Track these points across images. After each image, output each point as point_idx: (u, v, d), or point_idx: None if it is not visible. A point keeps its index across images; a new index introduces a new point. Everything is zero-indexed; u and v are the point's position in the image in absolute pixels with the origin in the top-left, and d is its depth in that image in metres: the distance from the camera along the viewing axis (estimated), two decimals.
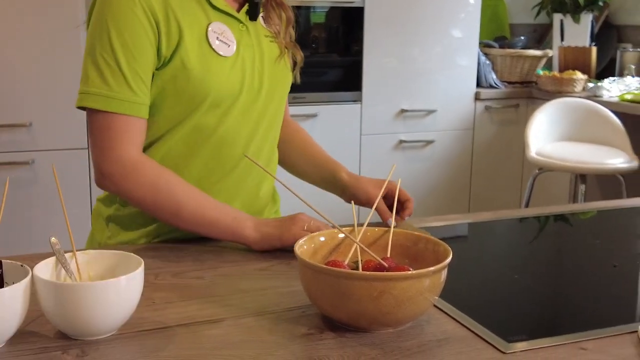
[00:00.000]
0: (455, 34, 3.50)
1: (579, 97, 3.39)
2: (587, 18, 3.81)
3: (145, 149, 1.22)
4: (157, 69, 1.18)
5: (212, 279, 1.07)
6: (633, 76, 3.58)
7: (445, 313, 0.94)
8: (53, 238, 0.95)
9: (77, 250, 0.92)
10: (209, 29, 1.20)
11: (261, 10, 1.30)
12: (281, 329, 0.90)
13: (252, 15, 1.27)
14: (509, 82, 3.75)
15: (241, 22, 1.25)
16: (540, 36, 4.21)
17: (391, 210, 1.16)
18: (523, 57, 3.74)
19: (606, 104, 3.25)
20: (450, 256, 0.90)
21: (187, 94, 1.19)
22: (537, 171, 3.18)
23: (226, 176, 1.26)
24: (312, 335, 0.88)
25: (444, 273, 0.89)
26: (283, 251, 1.17)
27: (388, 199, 1.26)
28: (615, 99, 3.34)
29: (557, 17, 3.88)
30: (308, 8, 3.26)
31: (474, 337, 0.88)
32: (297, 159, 1.44)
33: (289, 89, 1.36)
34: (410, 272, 0.86)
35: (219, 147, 1.24)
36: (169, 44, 1.16)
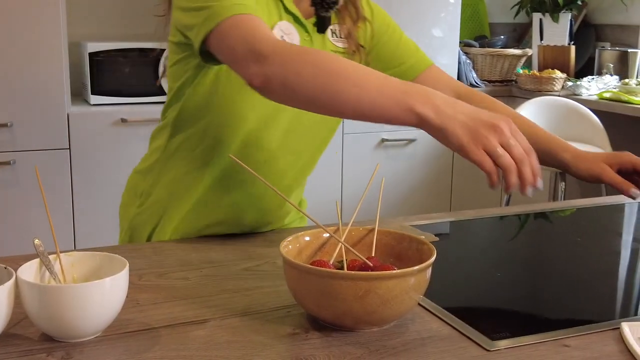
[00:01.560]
0: (435, 33, 3.51)
1: (558, 95, 3.42)
2: (565, 17, 3.84)
3: (173, 129, 1.22)
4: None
5: (197, 280, 1.07)
6: (611, 75, 3.62)
7: (430, 312, 0.95)
8: (37, 240, 0.95)
9: (61, 252, 0.92)
10: (277, 25, 1.19)
11: (332, 21, 1.26)
12: (267, 329, 0.90)
13: (320, 28, 1.24)
14: (489, 81, 3.78)
15: (307, 32, 1.23)
16: (519, 35, 4.24)
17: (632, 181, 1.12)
18: (503, 56, 3.76)
19: (585, 102, 3.28)
20: (434, 255, 0.91)
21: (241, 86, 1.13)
22: None
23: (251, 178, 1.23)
24: (297, 335, 0.88)
25: (429, 272, 0.90)
26: (268, 250, 1.17)
27: (621, 172, 1.18)
28: (594, 98, 3.38)
29: (536, 17, 3.92)
30: None
31: (458, 335, 0.89)
32: None
33: None
34: (395, 271, 0.86)
35: (245, 145, 1.22)
36: None
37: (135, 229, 1.34)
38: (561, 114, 3.27)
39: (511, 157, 0.86)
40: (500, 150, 0.86)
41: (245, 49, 1.01)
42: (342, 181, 3.38)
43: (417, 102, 0.89)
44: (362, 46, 1.31)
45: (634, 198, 0.95)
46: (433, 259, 0.90)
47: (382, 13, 1.38)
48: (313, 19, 1.24)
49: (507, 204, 3.28)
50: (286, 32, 1.20)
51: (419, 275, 0.88)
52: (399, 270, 0.86)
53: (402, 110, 0.90)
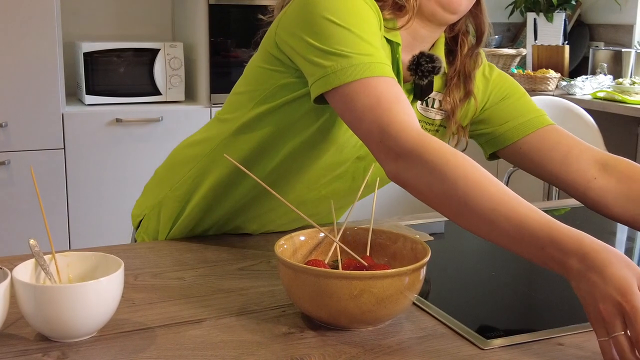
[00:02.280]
0: None
1: (553, 95, 3.43)
2: (559, 17, 3.85)
3: (244, 125, 1.15)
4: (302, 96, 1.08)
5: (192, 280, 1.07)
6: (605, 74, 3.63)
7: (424, 310, 0.96)
8: (32, 240, 0.95)
9: (56, 252, 0.92)
10: None
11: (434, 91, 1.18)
12: (262, 329, 0.90)
13: (417, 95, 1.17)
14: None
15: None
16: (513, 35, 4.25)
17: None
18: (497, 56, 3.77)
19: (579, 101, 3.29)
20: (429, 254, 0.91)
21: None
22: (511, 168, 3.21)
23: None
24: (292, 335, 0.89)
25: (423, 271, 0.90)
26: (263, 250, 1.18)
27: None
28: (588, 97, 3.39)
29: (530, 16, 3.93)
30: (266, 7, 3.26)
31: (453, 334, 0.89)
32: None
33: None
34: (389, 271, 0.87)
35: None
36: None
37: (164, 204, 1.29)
38: (555, 113, 3.28)
39: (616, 346, 0.78)
40: (604, 337, 0.79)
41: (378, 136, 0.96)
42: None
43: (551, 262, 0.84)
44: (463, 127, 1.24)
45: None
46: (427, 258, 0.90)
47: (502, 81, 1.26)
48: (409, 85, 1.17)
49: None
50: None
51: (414, 275, 0.88)
52: (393, 270, 0.87)
53: (537, 261, 0.86)
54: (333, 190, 1.24)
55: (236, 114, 1.18)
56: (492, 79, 1.26)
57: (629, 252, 1.29)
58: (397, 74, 1.13)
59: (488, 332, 0.89)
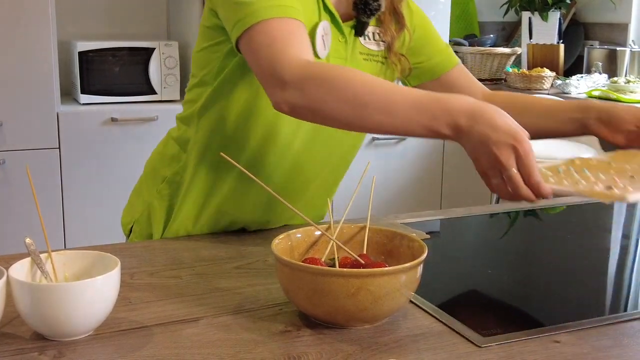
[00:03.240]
0: None
1: (548, 94, 3.44)
2: (554, 16, 3.86)
3: (204, 110, 1.20)
4: None
5: (188, 278, 1.07)
6: (600, 73, 3.63)
7: (421, 308, 0.96)
8: (28, 238, 0.95)
9: (52, 251, 0.92)
10: (320, 25, 1.16)
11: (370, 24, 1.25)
12: (259, 327, 0.90)
13: (358, 32, 1.23)
14: (479, 80, 3.77)
15: (342, 34, 1.21)
16: (509, 34, 4.25)
17: None
18: (492, 55, 3.78)
19: (572, 99, 3.30)
20: (426, 252, 0.91)
21: None
22: None
23: (278, 168, 1.24)
24: (289, 333, 0.89)
25: (420, 269, 0.90)
26: (260, 248, 1.18)
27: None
28: (583, 96, 3.39)
29: (525, 15, 3.93)
30: None
31: (450, 332, 0.89)
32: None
33: None
34: (386, 269, 0.87)
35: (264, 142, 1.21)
36: None
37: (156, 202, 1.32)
38: None
39: (510, 184, 0.91)
40: (497, 179, 0.93)
41: (269, 70, 1.01)
42: None
43: (443, 126, 0.93)
44: (403, 55, 1.30)
45: None
46: (424, 256, 0.90)
47: (420, 12, 1.37)
48: (351, 22, 1.22)
49: (497, 201, 3.29)
50: (325, 33, 1.18)
51: (411, 273, 0.88)
52: (390, 268, 0.87)
53: (430, 132, 0.95)
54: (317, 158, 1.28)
55: (197, 105, 1.23)
56: (415, 11, 1.34)
57: (624, 249, 1.29)
58: (332, 15, 1.19)
59: (484, 329, 0.89)
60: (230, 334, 0.88)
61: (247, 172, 0.95)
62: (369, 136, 3.43)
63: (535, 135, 1.04)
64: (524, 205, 1.54)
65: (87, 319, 0.85)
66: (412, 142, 3.54)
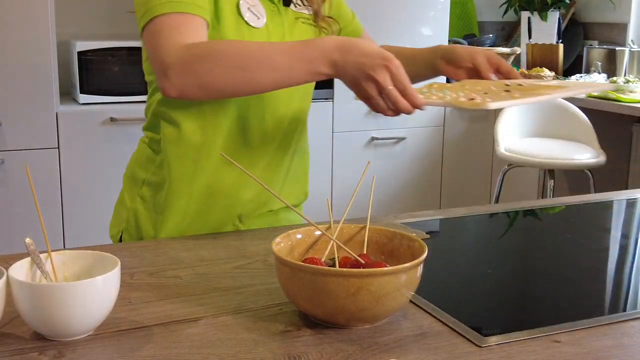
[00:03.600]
0: (425, 32, 3.52)
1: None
2: (554, 15, 3.86)
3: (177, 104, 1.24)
4: None
5: (188, 278, 1.07)
6: (599, 73, 3.64)
7: (421, 308, 0.96)
8: (27, 238, 0.95)
9: (52, 251, 0.92)
10: (242, 0, 1.23)
11: None
12: (259, 327, 0.90)
13: (286, 1, 1.30)
14: None
15: (273, 3, 1.28)
16: (508, 34, 4.26)
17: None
18: None
19: (573, 100, 3.30)
20: (426, 252, 0.91)
21: None
22: (506, 167, 3.22)
23: (248, 145, 1.28)
24: (289, 333, 0.89)
25: (420, 269, 0.90)
26: (260, 248, 1.17)
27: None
28: (582, 96, 3.40)
29: (524, 15, 3.93)
30: None
31: (450, 332, 0.89)
32: None
33: None
34: (387, 268, 0.87)
35: (240, 113, 1.25)
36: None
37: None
38: (550, 111, 3.29)
39: (390, 99, 1.04)
40: (377, 99, 1.04)
41: (154, 60, 1.09)
42: (332, 179, 3.38)
43: (321, 65, 1.04)
44: (331, 17, 1.37)
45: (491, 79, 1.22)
46: (424, 256, 0.90)
47: None
48: None
49: (497, 201, 3.29)
50: (251, 4, 1.24)
51: (411, 272, 0.88)
52: (390, 267, 0.87)
53: (312, 75, 1.06)
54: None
55: (153, 101, 1.28)
56: None
57: (623, 249, 1.29)
58: None
59: (485, 329, 0.89)
60: (231, 334, 0.88)
61: (247, 171, 0.95)
62: (368, 136, 3.43)
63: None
64: (522, 206, 1.54)
65: (87, 319, 0.85)
66: (411, 142, 3.54)
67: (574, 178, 3.50)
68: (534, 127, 3.28)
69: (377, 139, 3.46)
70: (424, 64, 1.36)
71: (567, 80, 1.26)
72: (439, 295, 1.00)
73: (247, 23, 1.22)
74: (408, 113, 1.04)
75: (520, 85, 1.16)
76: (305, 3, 1.35)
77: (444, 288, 1.08)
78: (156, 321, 0.91)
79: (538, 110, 3.29)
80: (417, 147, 3.58)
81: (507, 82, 1.22)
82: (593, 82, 1.24)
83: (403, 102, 1.03)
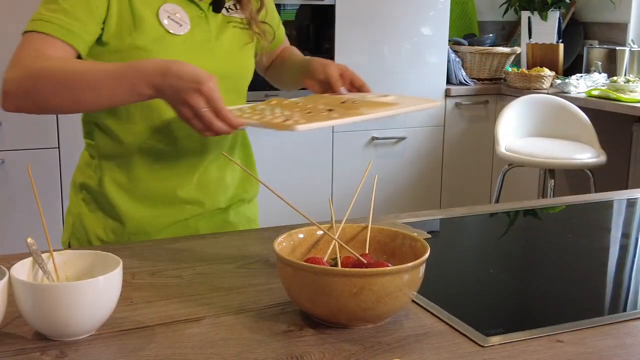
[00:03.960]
0: (425, 32, 3.52)
1: (547, 93, 3.44)
2: (554, 15, 3.86)
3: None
4: (109, 45, 1.21)
5: (190, 278, 1.06)
6: (600, 72, 3.64)
7: (424, 308, 0.95)
8: (29, 238, 0.94)
9: (54, 251, 0.92)
10: (162, 8, 1.24)
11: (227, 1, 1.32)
12: (261, 327, 0.90)
13: (215, 8, 1.29)
14: (478, 79, 3.79)
15: (201, 9, 1.28)
16: (508, 34, 4.26)
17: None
18: (492, 54, 3.78)
19: (574, 100, 3.30)
20: (428, 252, 0.91)
21: None
22: (506, 167, 3.22)
23: (170, 150, 1.28)
24: (292, 332, 0.89)
25: (422, 268, 0.90)
26: (261, 247, 1.17)
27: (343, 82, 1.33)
28: (583, 95, 3.40)
29: (524, 15, 3.93)
30: (278, 5, 3.26)
31: (452, 332, 0.89)
32: (280, 75, 1.51)
33: (250, 76, 1.37)
34: (389, 268, 0.86)
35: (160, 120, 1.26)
36: (118, 17, 1.20)
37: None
38: (550, 111, 3.28)
39: (204, 121, 1.07)
40: (194, 120, 1.07)
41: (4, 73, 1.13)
42: (332, 179, 3.38)
43: (143, 87, 1.07)
44: (265, 22, 1.38)
45: (341, 93, 1.28)
46: (427, 255, 0.90)
47: None
48: (209, 0, 1.29)
49: (497, 201, 3.29)
50: (172, 13, 1.24)
51: (413, 272, 0.88)
52: (393, 267, 0.86)
53: (135, 96, 1.09)
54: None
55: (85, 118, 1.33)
56: None
57: (624, 248, 1.29)
58: None
59: (487, 329, 0.89)
60: (233, 333, 0.88)
61: (248, 171, 0.95)
62: (368, 135, 3.43)
63: (292, 86, 1.46)
64: (523, 205, 1.54)
65: (89, 319, 0.85)
66: (411, 142, 3.54)
67: (574, 178, 3.50)
68: (534, 127, 3.28)
69: (377, 138, 3.46)
70: (300, 75, 1.39)
71: (412, 97, 1.27)
72: (441, 295, 1.00)
73: (167, 31, 1.23)
74: (227, 133, 1.09)
75: (355, 102, 1.20)
76: (238, 7, 1.34)
77: (446, 288, 1.08)
78: (158, 321, 0.91)
79: (538, 110, 3.29)
80: (417, 147, 3.57)
81: (346, 97, 1.26)
82: (422, 98, 1.25)
83: (218, 124, 1.07)
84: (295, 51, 1.53)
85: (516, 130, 3.24)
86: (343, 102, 1.21)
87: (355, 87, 1.33)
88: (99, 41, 1.21)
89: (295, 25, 3.36)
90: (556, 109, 3.27)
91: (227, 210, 1.39)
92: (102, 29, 1.20)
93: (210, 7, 1.29)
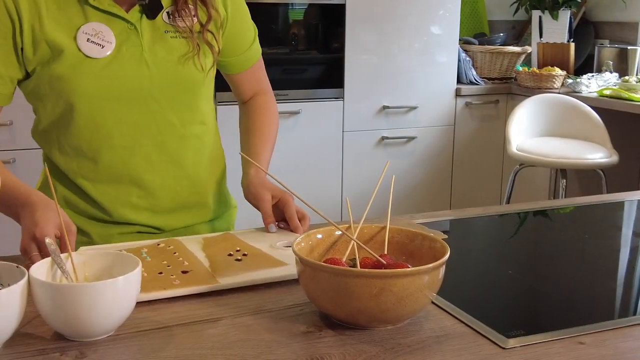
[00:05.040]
0: (435, 31, 3.51)
1: (559, 92, 3.42)
2: (565, 14, 3.84)
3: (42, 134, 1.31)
4: (34, 75, 1.20)
5: None
6: (611, 72, 3.62)
7: (443, 309, 0.95)
8: (48, 238, 0.94)
9: (72, 251, 0.91)
10: (80, 30, 1.18)
11: (166, 6, 1.24)
12: (280, 328, 0.90)
13: (150, 14, 1.22)
14: (489, 78, 3.78)
15: (129, 22, 1.20)
16: (518, 33, 4.24)
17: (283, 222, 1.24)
18: (502, 54, 3.76)
19: (585, 99, 3.28)
20: (448, 253, 0.90)
21: (60, 94, 1.20)
22: (518, 166, 3.21)
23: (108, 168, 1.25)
24: (311, 334, 0.88)
25: (442, 269, 0.89)
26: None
27: (280, 208, 1.25)
28: (594, 95, 3.38)
29: (535, 14, 3.91)
30: (286, 5, 3.26)
31: (473, 333, 0.89)
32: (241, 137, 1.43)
33: (199, 87, 1.27)
34: (410, 269, 0.86)
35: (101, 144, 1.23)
36: (33, 48, 1.17)
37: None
38: (561, 111, 3.27)
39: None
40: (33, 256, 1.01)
41: None
42: (342, 179, 3.37)
43: (15, 216, 1.13)
44: (212, 33, 1.27)
45: (269, 230, 1.22)
46: (447, 256, 0.89)
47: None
48: (137, 8, 1.21)
49: (508, 201, 3.28)
50: (92, 34, 1.18)
51: (433, 273, 0.87)
52: (413, 268, 0.86)
53: (12, 217, 1.15)
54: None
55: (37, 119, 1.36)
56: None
57: (634, 251, 1.28)
58: (102, 11, 1.19)
59: (508, 331, 0.88)
60: (252, 334, 0.88)
61: (277, 180, 0.94)
62: (378, 135, 3.42)
63: None
64: (537, 206, 1.53)
65: (109, 319, 0.85)
66: (421, 141, 3.53)
67: (586, 178, 3.48)
68: (546, 127, 3.26)
69: (387, 138, 3.45)
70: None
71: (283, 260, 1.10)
72: (459, 296, 0.99)
73: (86, 56, 1.17)
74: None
75: (245, 255, 1.11)
76: (183, 14, 1.24)
77: (464, 289, 1.07)
78: (177, 321, 0.91)
79: (549, 109, 3.27)
80: (427, 147, 3.56)
81: (235, 250, 1.13)
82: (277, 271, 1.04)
83: (37, 259, 1.01)
84: (260, 118, 1.42)
85: (527, 130, 3.22)
86: (229, 256, 1.11)
87: (286, 218, 1.24)
88: (27, 74, 1.21)
89: (304, 25, 3.36)
90: (568, 108, 3.26)
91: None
92: (24, 65, 1.19)
93: (142, 16, 1.21)
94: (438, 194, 3.64)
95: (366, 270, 0.87)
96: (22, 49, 1.17)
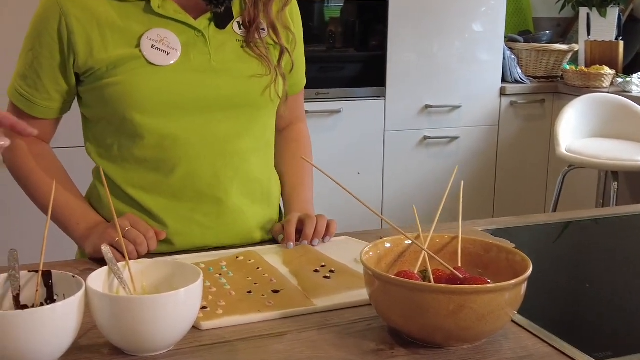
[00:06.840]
0: (478, 29, 3.43)
1: (608, 92, 3.32)
2: (613, 12, 3.73)
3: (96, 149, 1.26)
4: (83, 80, 1.16)
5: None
6: None
7: (523, 328, 0.88)
8: (104, 246, 0.90)
9: (130, 260, 0.87)
10: (144, 36, 1.12)
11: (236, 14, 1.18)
12: (347, 344, 0.84)
13: (221, 24, 1.16)
14: (535, 77, 3.68)
15: (196, 29, 1.14)
16: (564, 30, 4.13)
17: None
18: (549, 52, 3.66)
19: (636, 99, 3.18)
20: (531, 267, 0.84)
21: (118, 102, 1.12)
22: (566, 168, 3.11)
23: (166, 181, 1.17)
24: (382, 352, 0.82)
25: (524, 286, 0.83)
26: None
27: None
28: None
29: (583, 11, 3.81)
30: (322, 2, 3.21)
31: (557, 354, 0.82)
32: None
33: (268, 101, 1.20)
34: (492, 285, 0.80)
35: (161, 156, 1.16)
36: (88, 59, 1.12)
37: None
38: (611, 111, 3.17)
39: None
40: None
41: None
42: (383, 179, 3.31)
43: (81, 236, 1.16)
44: (286, 48, 1.21)
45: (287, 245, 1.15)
46: (529, 272, 0.83)
47: (300, 22, 1.29)
48: (208, 15, 1.15)
49: (556, 204, 3.18)
50: (157, 40, 1.12)
51: (515, 290, 0.81)
52: (496, 284, 0.80)
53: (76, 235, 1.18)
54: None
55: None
56: (295, 14, 1.27)
57: None
58: (169, 19, 1.14)
59: (595, 352, 0.82)
60: (319, 351, 0.82)
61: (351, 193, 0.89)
62: (420, 135, 3.35)
63: None
64: (599, 213, 1.45)
65: (169, 334, 0.80)
66: (464, 141, 3.45)
67: (635, 181, 3.37)
68: (595, 127, 3.16)
69: (429, 138, 3.37)
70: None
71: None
72: (537, 313, 0.92)
73: (149, 62, 1.11)
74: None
75: (332, 272, 1.05)
76: (255, 35, 1.18)
77: (542, 304, 1.00)
78: (239, 335, 0.86)
79: (599, 109, 3.17)
80: (471, 147, 3.48)
81: (321, 266, 1.07)
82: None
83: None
84: (297, 154, 1.34)
85: (576, 131, 3.13)
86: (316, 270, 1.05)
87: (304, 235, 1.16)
88: (78, 81, 1.18)
89: (341, 22, 3.30)
90: (618, 108, 3.15)
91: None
92: (75, 77, 1.16)
93: (210, 24, 1.16)
94: (481, 195, 3.56)
95: (444, 285, 0.81)
96: (74, 61, 1.13)
